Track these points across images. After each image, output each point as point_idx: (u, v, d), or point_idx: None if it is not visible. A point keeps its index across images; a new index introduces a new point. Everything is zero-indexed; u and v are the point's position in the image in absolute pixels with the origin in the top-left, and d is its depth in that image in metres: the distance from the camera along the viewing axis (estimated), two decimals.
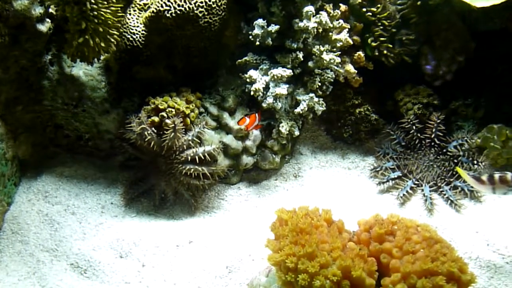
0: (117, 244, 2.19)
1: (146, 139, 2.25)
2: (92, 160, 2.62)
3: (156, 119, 2.33)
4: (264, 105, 2.45)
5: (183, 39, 2.42)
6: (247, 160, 2.59)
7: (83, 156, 2.62)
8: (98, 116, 2.57)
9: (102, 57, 2.37)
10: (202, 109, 2.53)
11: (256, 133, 2.60)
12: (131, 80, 2.52)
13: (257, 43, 2.44)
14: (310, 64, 2.51)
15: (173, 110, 2.31)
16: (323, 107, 2.53)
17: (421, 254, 1.47)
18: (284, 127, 2.50)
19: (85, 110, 2.52)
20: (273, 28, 2.40)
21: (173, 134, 2.27)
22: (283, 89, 2.41)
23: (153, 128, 2.30)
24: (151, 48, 2.43)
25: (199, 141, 2.40)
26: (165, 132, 2.28)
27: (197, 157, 2.30)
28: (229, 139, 2.54)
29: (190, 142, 2.33)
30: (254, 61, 2.52)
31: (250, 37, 2.44)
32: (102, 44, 2.24)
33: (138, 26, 2.42)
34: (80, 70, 2.49)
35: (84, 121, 2.52)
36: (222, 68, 2.61)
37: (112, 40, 2.29)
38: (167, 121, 2.31)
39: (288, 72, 2.40)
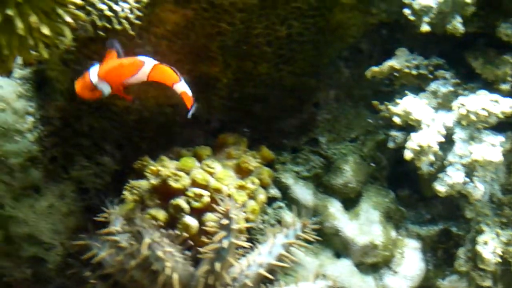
0: None
1: (155, 267, 1.12)
2: None
3: (161, 215, 1.16)
4: (441, 189, 1.26)
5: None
6: None
7: None
8: (12, 201, 1.30)
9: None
10: (274, 190, 1.31)
11: (414, 258, 1.39)
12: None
13: (425, 26, 1.19)
14: None
15: (203, 192, 1.15)
16: None
17: None
18: (490, 245, 1.31)
19: None
20: None
21: (223, 251, 1.10)
22: (489, 149, 1.20)
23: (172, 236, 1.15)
24: None
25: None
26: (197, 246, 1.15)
27: None
28: (346, 275, 1.36)
29: (260, 272, 1.18)
30: (414, 71, 1.30)
31: (406, 11, 1.22)
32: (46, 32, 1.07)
33: None
34: None
35: None
36: (327, 85, 1.41)
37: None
38: (187, 219, 1.13)
39: (507, 106, 1.20)
